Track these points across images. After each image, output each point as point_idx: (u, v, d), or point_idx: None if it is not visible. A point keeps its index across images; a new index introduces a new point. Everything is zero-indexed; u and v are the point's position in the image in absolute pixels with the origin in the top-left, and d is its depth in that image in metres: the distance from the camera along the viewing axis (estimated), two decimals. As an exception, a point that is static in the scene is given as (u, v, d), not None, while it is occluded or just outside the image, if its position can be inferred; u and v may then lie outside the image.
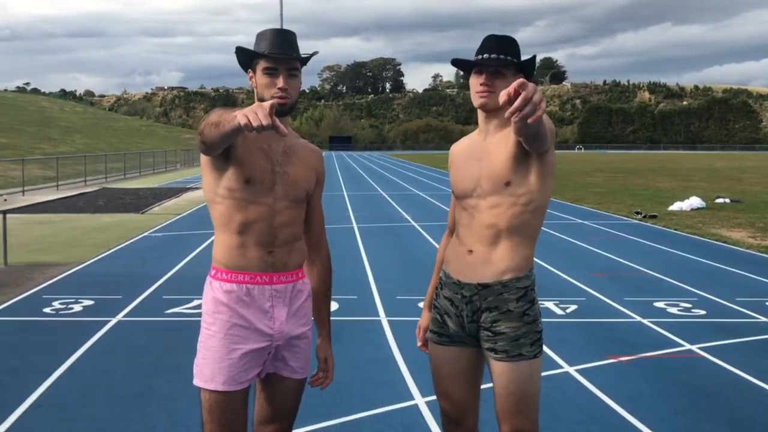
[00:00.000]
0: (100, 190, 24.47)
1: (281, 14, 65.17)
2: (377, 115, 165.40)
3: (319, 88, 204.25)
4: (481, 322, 2.80)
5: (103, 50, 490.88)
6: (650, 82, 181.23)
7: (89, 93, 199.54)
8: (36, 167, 30.78)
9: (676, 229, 14.36)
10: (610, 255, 11.02)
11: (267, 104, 2.13)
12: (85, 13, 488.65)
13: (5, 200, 19.42)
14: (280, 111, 2.58)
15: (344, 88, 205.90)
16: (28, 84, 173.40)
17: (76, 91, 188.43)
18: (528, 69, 2.80)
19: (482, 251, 2.78)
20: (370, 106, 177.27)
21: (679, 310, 7.39)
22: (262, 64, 2.58)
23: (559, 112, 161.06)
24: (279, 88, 2.56)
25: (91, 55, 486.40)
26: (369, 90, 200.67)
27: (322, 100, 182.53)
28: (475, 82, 2.77)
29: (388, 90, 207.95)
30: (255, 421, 2.79)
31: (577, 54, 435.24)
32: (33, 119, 54.38)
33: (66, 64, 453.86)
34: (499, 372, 2.75)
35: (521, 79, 2.12)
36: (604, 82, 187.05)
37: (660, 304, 7.63)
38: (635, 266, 10.04)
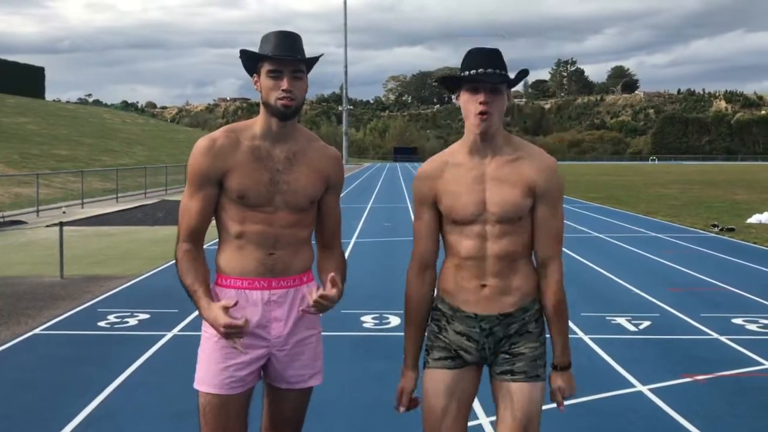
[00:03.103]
0: (160, 202, 24.61)
1: (345, 24, 65.76)
2: (443, 126, 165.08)
3: (383, 99, 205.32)
4: (500, 348, 2.69)
5: (163, 61, 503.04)
6: (727, 90, 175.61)
7: (151, 104, 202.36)
8: (96, 179, 31.14)
9: (754, 243, 13.81)
10: (685, 269, 10.65)
11: (221, 327, 2.42)
12: (145, 25, 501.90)
13: (64, 212, 19.64)
14: (285, 114, 2.55)
15: (409, 98, 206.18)
16: (89, 95, 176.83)
17: (137, 102, 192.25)
18: (516, 83, 2.66)
19: (498, 283, 2.65)
20: (435, 116, 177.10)
21: (758, 327, 7.06)
22: (266, 67, 2.54)
23: (631, 122, 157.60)
24: (283, 90, 2.51)
25: (150, 66, 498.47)
26: (434, 100, 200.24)
27: (387, 111, 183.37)
28: (472, 102, 2.57)
29: (454, 100, 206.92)
30: (261, 428, 2.79)
31: (648, 62, 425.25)
32: (94, 131, 55.08)
33: (126, 75, 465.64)
34: (517, 393, 2.64)
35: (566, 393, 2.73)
36: (678, 90, 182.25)
37: (738, 321, 7.32)
38: (712, 281, 9.67)
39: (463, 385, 2.72)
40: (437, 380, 2.72)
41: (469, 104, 2.59)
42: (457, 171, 2.69)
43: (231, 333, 2.42)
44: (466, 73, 2.57)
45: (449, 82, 2.67)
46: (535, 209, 2.66)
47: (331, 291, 2.50)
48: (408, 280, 2.80)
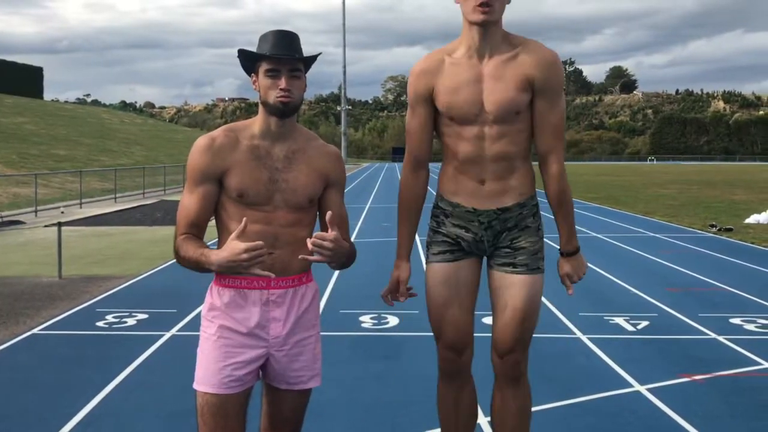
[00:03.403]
0: (158, 202, 24.56)
1: (344, 24, 65.66)
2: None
3: (382, 99, 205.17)
4: (499, 242, 2.76)
5: (162, 61, 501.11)
6: (725, 91, 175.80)
7: (149, 104, 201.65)
8: (94, 179, 31.03)
9: (752, 243, 13.82)
10: (683, 269, 10.66)
11: (242, 252, 2.33)
12: (144, 25, 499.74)
13: (62, 212, 19.60)
14: (284, 111, 2.56)
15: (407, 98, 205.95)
16: (88, 95, 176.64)
17: (136, 102, 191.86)
18: None
19: (496, 182, 2.72)
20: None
21: (756, 327, 7.07)
22: (264, 66, 2.56)
23: (629, 122, 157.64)
24: (281, 89, 2.52)
25: (149, 66, 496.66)
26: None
27: (385, 111, 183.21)
28: None
29: None
30: (260, 429, 2.80)
31: (647, 62, 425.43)
32: (93, 131, 54.87)
33: (124, 75, 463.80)
34: (517, 285, 2.73)
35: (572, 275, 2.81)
36: (677, 91, 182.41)
37: (736, 321, 7.32)
38: (710, 281, 9.68)
39: (463, 274, 2.80)
40: (437, 273, 2.82)
41: None
42: (455, 69, 2.69)
43: (254, 254, 2.35)
44: None
45: None
46: (534, 103, 2.67)
47: (329, 233, 2.45)
48: (402, 177, 2.90)
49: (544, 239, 2.90)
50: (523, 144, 2.71)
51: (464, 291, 2.81)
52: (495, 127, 2.64)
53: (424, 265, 2.91)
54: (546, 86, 2.65)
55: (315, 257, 2.46)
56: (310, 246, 2.43)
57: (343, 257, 2.55)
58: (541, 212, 2.96)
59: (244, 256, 2.34)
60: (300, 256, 2.51)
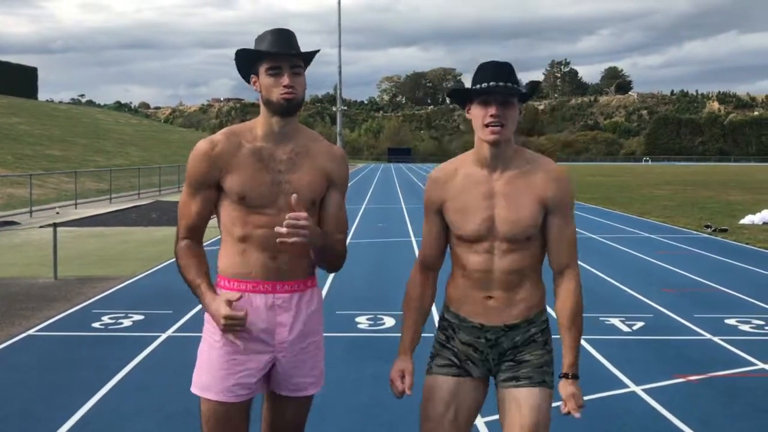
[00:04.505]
0: (154, 203, 24.51)
1: (339, 24, 65.66)
2: (437, 127, 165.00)
3: (377, 99, 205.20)
4: (504, 359, 2.65)
5: (157, 62, 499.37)
6: (719, 91, 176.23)
7: (144, 105, 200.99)
8: (89, 180, 30.99)
9: (747, 243, 13.87)
10: (678, 270, 10.69)
11: (221, 318, 2.44)
12: (139, 25, 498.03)
13: (57, 213, 19.57)
14: (287, 109, 2.54)
15: (403, 99, 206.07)
16: (82, 96, 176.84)
17: (131, 103, 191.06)
18: (529, 96, 2.65)
19: (504, 296, 2.63)
20: (429, 117, 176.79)
21: (751, 328, 7.10)
22: (265, 65, 2.53)
23: (625, 123, 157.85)
24: (284, 86, 2.51)
25: (144, 66, 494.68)
26: (429, 101, 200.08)
27: (381, 112, 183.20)
28: (483, 114, 2.53)
29: (448, 101, 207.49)
30: None
31: (642, 63, 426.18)
32: (87, 131, 54.68)
33: (119, 75, 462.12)
34: (522, 399, 2.58)
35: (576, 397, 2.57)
36: (672, 92, 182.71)
37: (731, 321, 7.35)
38: (705, 281, 9.71)
39: (465, 395, 2.67)
40: (438, 386, 2.68)
41: (480, 117, 2.55)
42: (466, 182, 2.65)
43: (232, 323, 2.43)
44: (477, 86, 2.54)
45: (459, 95, 2.64)
46: (548, 221, 2.62)
47: (300, 213, 2.42)
48: (410, 276, 2.81)
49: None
50: (534, 258, 2.65)
51: (462, 412, 2.65)
52: (506, 243, 2.60)
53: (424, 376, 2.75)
54: (559, 204, 2.61)
55: (293, 239, 2.42)
56: (284, 230, 2.40)
57: (318, 240, 2.51)
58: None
59: (222, 321, 2.44)
60: (278, 239, 2.43)
